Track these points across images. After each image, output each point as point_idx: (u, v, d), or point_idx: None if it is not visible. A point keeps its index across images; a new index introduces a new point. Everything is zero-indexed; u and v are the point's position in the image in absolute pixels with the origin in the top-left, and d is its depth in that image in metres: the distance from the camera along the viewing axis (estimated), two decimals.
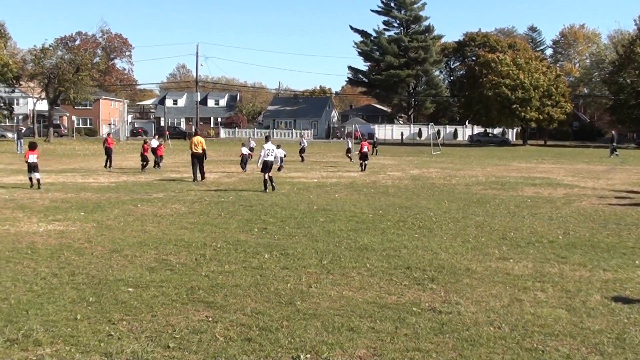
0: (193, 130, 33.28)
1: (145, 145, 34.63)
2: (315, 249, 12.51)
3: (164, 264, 11.10)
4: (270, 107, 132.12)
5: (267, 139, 25.67)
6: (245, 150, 36.98)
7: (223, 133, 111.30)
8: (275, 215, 17.10)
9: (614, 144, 58.09)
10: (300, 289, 9.50)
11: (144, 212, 17.70)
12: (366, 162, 36.25)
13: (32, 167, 24.44)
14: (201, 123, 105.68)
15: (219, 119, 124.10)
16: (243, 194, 22.46)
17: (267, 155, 24.11)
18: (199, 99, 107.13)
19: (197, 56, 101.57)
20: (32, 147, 25.22)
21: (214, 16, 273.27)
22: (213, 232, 14.50)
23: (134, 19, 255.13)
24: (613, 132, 63.79)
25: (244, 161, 36.06)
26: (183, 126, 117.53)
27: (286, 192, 23.26)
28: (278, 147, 26.22)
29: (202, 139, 28.79)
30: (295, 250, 12.33)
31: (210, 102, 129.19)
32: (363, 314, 8.33)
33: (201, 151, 28.16)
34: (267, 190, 23.48)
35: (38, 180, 24.27)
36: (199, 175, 28.06)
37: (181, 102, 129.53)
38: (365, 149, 36.86)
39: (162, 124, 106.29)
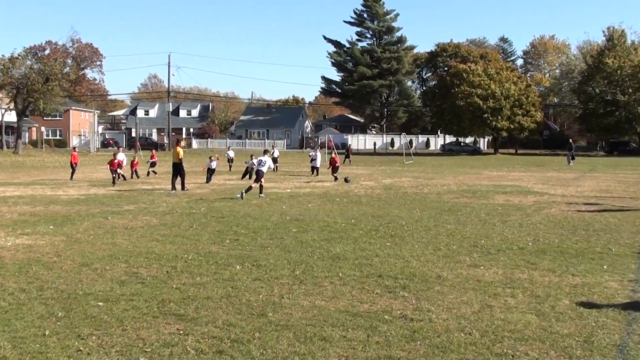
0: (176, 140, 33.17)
1: (113, 160, 33.85)
2: (287, 259, 12.47)
3: (135, 277, 10.99)
4: (242, 117, 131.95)
5: (265, 152, 27.34)
6: (249, 162, 37.51)
7: (195, 144, 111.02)
8: (247, 227, 17.03)
9: (572, 152, 59.16)
10: (272, 300, 9.46)
11: (115, 224, 17.57)
12: (336, 174, 36.44)
13: None
14: (173, 134, 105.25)
15: (191, 130, 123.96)
16: (215, 205, 22.38)
17: (261, 165, 25.64)
18: (170, 110, 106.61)
19: (169, 66, 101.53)
20: None
21: (186, 26, 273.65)
22: (184, 244, 14.40)
23: (105, 28, 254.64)
24: (570, 140, 65.01)
25: (247, 171, 36.97)
26: (155, 137, 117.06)
27: (258, 203, 23.21)
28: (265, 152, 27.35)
29: (179, 149, 28.83)
30: (267, 261, 12.28)
31: (182, 113, 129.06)
32: (335, 323, 8.32)
33: (177, 161, 28.25)
34: (262, 195, 25.03)
35: None
36: (178, 187, 28.28)
37: (153, 113, 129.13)
38: (337, 164, 37.20)
39: (133, 134, 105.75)
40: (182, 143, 31.48)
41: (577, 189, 29.86)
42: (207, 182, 33.65)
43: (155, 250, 13.46)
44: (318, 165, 40.15)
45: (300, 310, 8.91)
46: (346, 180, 33.11)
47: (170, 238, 15.20)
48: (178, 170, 28.34)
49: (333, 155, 39.15)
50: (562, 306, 9.16)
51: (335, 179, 35.64)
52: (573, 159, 57.92)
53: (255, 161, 32.96)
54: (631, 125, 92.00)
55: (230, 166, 47.67)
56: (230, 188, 30.03)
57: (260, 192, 25.29)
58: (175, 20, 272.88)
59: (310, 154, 43.73)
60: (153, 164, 40.68)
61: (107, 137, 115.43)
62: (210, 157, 36.29)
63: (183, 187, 28.16)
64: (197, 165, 49.89)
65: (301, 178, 38.27)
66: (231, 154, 50.18)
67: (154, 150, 44.72)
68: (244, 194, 24.61)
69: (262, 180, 25.73)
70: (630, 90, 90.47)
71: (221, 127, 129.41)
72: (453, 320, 8.44)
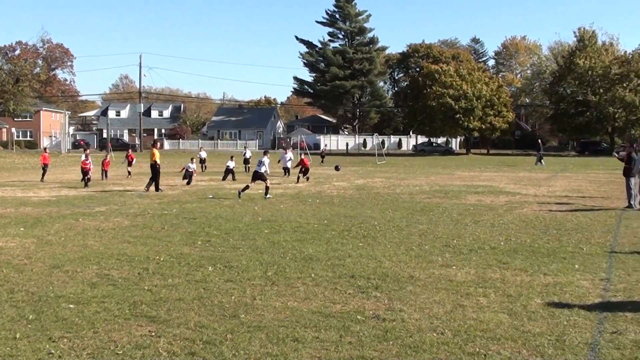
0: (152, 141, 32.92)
1: (85, 160, 33.29)
2: (259, 260, 12.44)
3: (106, 279, 10.91)
4: (214, 118, 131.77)
5: (265, 153, 27.50)
6: (231, 164, 37.45)
7: (167, 144, 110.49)
8: (219, 228, 16.99)
9: (541, 153, 59.50)
10: (244, 302, 9.42)
11: (86, 226, 17.43)
12: (307, 175, 36.36)
13: None
14: (145, 135, 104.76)
15: (163, 130, 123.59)
16: (186, 206, 22.29)
17: (260, 165, 26.06)
18: (142, 110, 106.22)
19: (140, 67, 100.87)
20: None
21: (158, 26, 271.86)
22: (156, 245, 14.33)
23: (76, 28, 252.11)
24: (539, 141, 65.09)
25: (228, 172, 37.52)
26: (126, 138, 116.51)
27: (230, 204, 23.14)
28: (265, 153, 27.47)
29: (155, 151, 28.99)
30: (239, 262, 12.24)
31: (154, 113, 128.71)
32: (308, 324, 8.32)
33: (153, 162, 28.44)
34: (240, 199, 24.86)
35: None
36: (152, 187, 28.42)
37: (124, 114, 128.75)
38: (307, 165, 36.94)
39: (104, 135, 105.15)
40: (159, 144, 31.37)
41: (548, 189, 30.10)
42: (187, 183, 33.33)
43: (126, 252, 13.38)
44: (289, 166, 40.03)
45: (273, 312, 8.89)
46: (336, 168, 32.46)
47: (141, 239, 15.12)
48: (153, 171, 28.37)
49: (303, 156, 39.06)
50: (534, 305, 9.21)
51: (307, 179, 35.64)
52: (541, 160, 58.31)
53: (232, 162, 33.32)
54: (602, 126, 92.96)
55: (202, 167, 47.48)
56: (202, 189, 29.95)
57: (266, 193, 25.65)
58: (146, 20, 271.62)
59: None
60: (130, 163, 40.37)
61: (78, 138, 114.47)
62: (192, 159, 36.05)
63: (157, 189, 28.07)
64: (169, 166, 49.61)
65: (273, 179, 38.23)
66: (203, 154, 49.98)
67: (130, 150, 44.32)
68: (240, 193, 25.38)
69: (267, 181, 26.17)
70: (601, 90, 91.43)
71: (193, 127, 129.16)
72: (425, 320, 8.47)
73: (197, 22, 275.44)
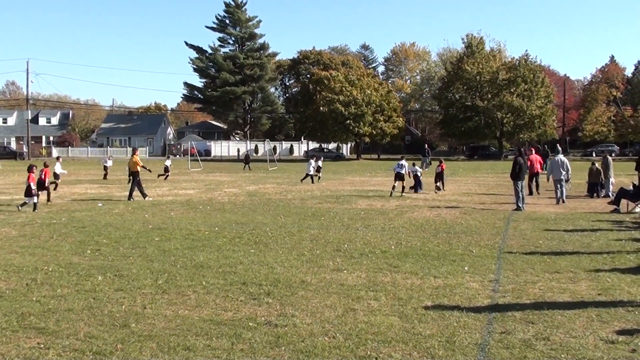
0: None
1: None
2: (150, 269, 12.26)
3: None
4: (104, 125, 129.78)
5: (402, 158, 30.57)
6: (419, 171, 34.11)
7: (55, 152, 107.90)
8: (109, 236, 16.66)
9: (429, 157, 60.67)
10: (135, 311, 9.27)
11: None
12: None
13: None
14: (32, 142, 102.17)
15: (51, 138, 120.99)
16: (76, 215, 21.75)
17: (401, 169, 29.56)
18: (29, 118, 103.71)
19: (27, 73, 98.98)
20: None
21: (45, 31, 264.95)
22: (45, 255, 13.94)
23: None
24: (426, 145, 66.13)
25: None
26: (13, 146, 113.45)
27: (120, 212, 22.70)
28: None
29: (135, 159, 28.59)
30: (129, 271, 12.03)
31: (42, 120, 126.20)
32: (199, 332, 8.24)
33: (135, 170, 28.15)
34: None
35: None
36: (145, 195, 27.90)
37: (11, 121, 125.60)
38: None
39: None
40: (138, 151, 30.47)
41: (438, 193, 30.63)
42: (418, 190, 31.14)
43: (14, 263, 12.98)
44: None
45: (164, 320, 8.78)
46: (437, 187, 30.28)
47: (30, 249, 14.69)
48: (134, 179, 27.87)
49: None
50: (424, 308, 9.37)
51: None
52: (430, 164, 59.41)
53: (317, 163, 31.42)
54: (490, 130, 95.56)
55: (105, 174, 45.87)
56: (92, 197, 29.24)
57: (402, 191, 29.32)
58: (33, 26, 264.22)
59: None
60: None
61: None
62: (314, 157, 32.17)
63: (130, 197, 27.40)
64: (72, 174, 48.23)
65: (163, 186, 37.66)
66: (109, 162, 48.42)
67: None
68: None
69: (404, 182, 29.51)
70: (489, 95, 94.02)
71: (82, 135, 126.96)
72: (317, 325, 8.50)
73: (85, 27, 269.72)
